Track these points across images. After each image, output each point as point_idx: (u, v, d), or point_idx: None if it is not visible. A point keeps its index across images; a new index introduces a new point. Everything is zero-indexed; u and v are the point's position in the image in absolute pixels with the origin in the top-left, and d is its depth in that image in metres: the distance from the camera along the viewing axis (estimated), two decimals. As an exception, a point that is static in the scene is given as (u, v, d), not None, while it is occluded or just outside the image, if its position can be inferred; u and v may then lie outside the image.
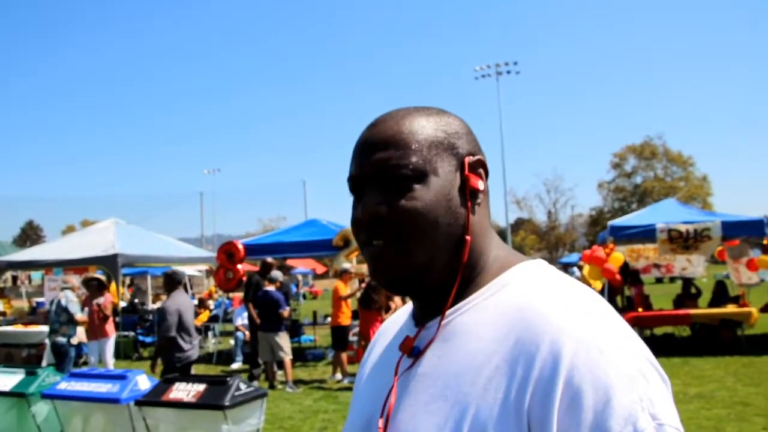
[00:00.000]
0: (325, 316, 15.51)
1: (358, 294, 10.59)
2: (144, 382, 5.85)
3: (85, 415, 5.88)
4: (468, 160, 0.98)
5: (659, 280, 32.84)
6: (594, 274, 12.58)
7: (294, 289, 20.17)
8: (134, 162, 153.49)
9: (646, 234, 12.81)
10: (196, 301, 19.55)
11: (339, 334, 10.71)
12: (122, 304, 16.82)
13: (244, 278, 12.32)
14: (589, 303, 0.87)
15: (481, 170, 1.00)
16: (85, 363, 10.95)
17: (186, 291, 10.20)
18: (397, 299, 10.40)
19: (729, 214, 13.48)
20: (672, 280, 28.33)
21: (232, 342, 14.02)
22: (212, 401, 5.15)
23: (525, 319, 0.86)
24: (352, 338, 11.69)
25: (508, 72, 53.71)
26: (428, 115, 0.99)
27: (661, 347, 11.57)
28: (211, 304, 20.42)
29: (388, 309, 10.29)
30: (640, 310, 12.74)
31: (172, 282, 7.72)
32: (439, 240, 0.93)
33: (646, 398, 0.77)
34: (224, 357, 13.65)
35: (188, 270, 26.41)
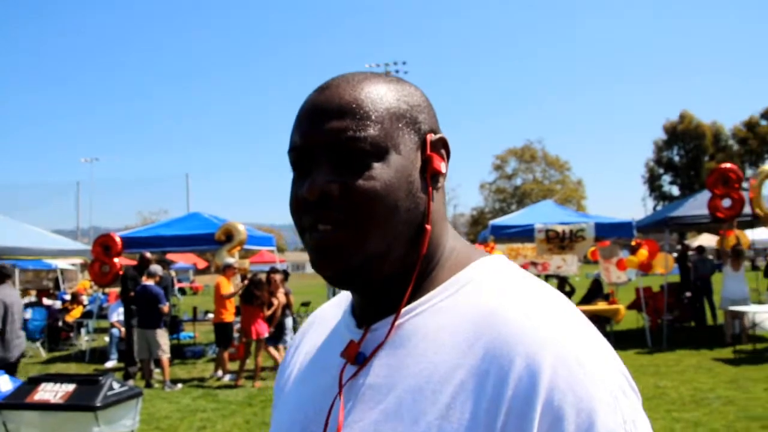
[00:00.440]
0: (206, 312, 15.14)
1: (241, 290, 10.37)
2: (5, 383, 5.47)
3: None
4: (430, 137, 0.85)
5: (536, 278, 34.14)
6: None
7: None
8: (5, 148, 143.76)
9: (525, 233, 13.28)
10: (68, 296, 18.61)
11: (222, 331, 10.45)
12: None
13: (121, 272, 11.82)
14: (562, 309, 0.77)
15: (443, 151, 0.87)
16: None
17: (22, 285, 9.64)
18: (281, 295, 10.28)
19: (601, 216, 14.23)
20: (547, 278, 29.58)
21: (107, 339, 13.39)
22: (82, 402, 4.89)
23: (494, 326, 0.74)
24: (236, 335, 11.44)
25: (397, 71, 54.48)
26: (388, 82, 0.85)
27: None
28: (84, 299, 19.44)
29: (270, 305, 10.14)
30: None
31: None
32: (396, 227, 0.80)
33: (630, 420, 0.69)
34: (98, 355, 13.00)
35: (61, 263, 25.06)
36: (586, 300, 13.90)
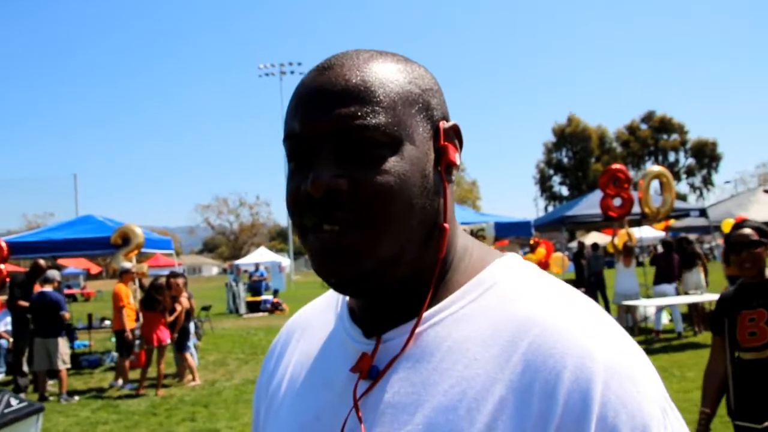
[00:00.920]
0: (102, 320, 14.49)
1: (139, 295, 9.96)
2: None
3: None
4: (443, 125, 0.76)
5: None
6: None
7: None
8: None
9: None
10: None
11: (123, 338, 9.98)
12: None
13: (8, 279, 11.12)
14: (600, 316, 0.71)
15: (456, 140, 0.78)
16: None
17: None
18: (184, 299, 9.95)
19: (499, 216, 14.61)
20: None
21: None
22: (-23, 420, 4.54)
23: (532, 336, 0.67)
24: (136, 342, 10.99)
25: (292, 72, 54.26)
26: (397, 61, 0.76)
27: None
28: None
29: (173, 311, 9.80)
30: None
31: None
32: (411, 227, 0.71)
33: None
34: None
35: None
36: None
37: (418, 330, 0.73)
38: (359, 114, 0.69)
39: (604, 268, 15.25)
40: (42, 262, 10.70)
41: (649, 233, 20.38)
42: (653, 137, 71.22)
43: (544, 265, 12.99)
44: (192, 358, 9.97)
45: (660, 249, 12.91)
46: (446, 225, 0.75)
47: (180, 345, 9.87)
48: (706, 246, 34.11)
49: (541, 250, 12.87)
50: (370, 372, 0.74)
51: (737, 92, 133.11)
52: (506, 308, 0.71)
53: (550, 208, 69.43)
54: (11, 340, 10.95)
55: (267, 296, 23.90)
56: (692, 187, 72.22)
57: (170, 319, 9.70)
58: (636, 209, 12.70)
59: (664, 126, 71.29)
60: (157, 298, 9.52)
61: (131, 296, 10.33)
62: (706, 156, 70.81)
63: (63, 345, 9.33)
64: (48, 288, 9.49)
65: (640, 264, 17.81)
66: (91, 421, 7.81)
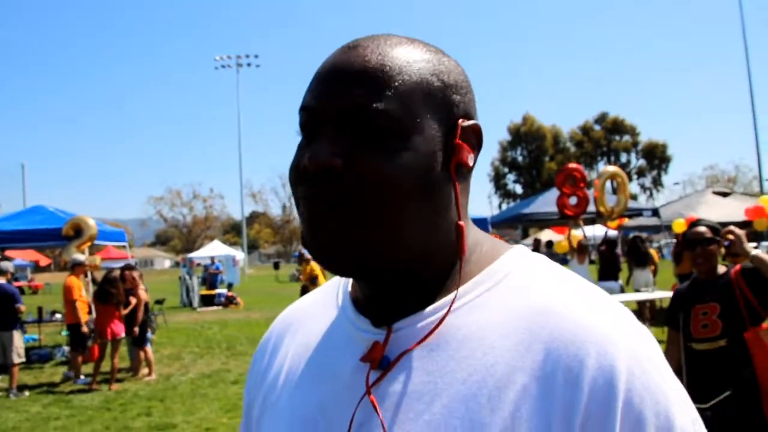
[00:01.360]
0: (53, 313, 14.14)
1: (92, 288, 9.74)
2: None
3: None
4: (461, 123, 0.75)
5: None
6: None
7: None
8: None
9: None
10: None
11: (77, 332, 9.73)
12: None
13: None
14: (614, 304, 0.72)
15: (474, 140, 0.77)
16: None
17: None
18: (142, 292, 9.78)
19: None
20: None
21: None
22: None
23: (552, 324, 0.67)
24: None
25: (249, 64, 53.79)
26: (426, 51, 0.76)
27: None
28: None
29: (127, 304, 9.61)
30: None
31: None
32: (405, 217, 0.71)
33: (695, 418, 0.67)
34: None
35: None
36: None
37: (430, 318, 0.73)
38: (370, 97, 0.69)
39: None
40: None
41: (600, 231, 20.77)
42: (606, 138, 72.56)
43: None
44: (147, 354, 9.81)
45: (603, 247, 13.16)
46: (461, 223, 0.74)
47: (140, 339, 9.70)
48: (655, 245, 34.96)
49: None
50: (382, 362, 0.72)
51: (688, 96, 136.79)
52: (521, 297, 0.71)
53: (504, 206, 70.26)
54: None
55: (221, 290, 23.65)
56: (643, 187, 73.87)
57: (125, 312, 9.52)
58: (591, 208, 12.92)
59: (616, 127, 72.70)
60: (111, 291, 9.32)
61: (83, 289, 10.09)
62: (657, 157, 72.46)
63: (18, 338, 9.09)
64: (1, 280, 9.23)
65: (591, 262, 18.15)
66: (43, 417, 7.62)
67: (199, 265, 31.06)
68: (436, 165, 0.72)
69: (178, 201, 76.48)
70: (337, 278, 0.89)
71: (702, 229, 3.41)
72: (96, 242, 12.50)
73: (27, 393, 8.95)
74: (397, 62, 0.72)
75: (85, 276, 11.10)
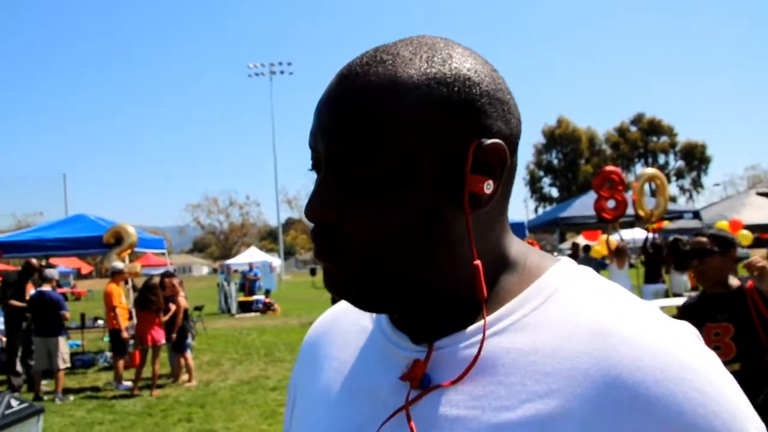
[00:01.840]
0: (95, 319, 14.41)
1: (132, 295, 9.90)
2: None
3: None
4: (473, 147, 0.65)
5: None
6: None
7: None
8: None
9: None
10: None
11: (117, 338, 9.92)
12: None
13: (0, 278, 11.06)
14: (676, 322, 0.66)
15: (496, 160, 0.66)
16: None
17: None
18: (182, 299, 9.90)
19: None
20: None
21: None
22: (-23, 421, 4.51)
23: (610, 347, 0.61)
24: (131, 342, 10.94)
25: (282, 72, 54.26)
26: (430, 65, 0.65)
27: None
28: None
29: (167, 311, 9.75)
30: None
31: None
32: (406, 265, 0.67)
33: None
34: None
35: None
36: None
37: (473, 339, 0.67)
38: (354, 148, 0.64)
39: (597, 270, 15.27)
40: (34, 261, 10.64)
41: (640, 235, 20.48)
42: (643, 139, 71.58)
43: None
44: (187, 360, 9.93)
45: (650, 250, 12.94)
46: (477, 262, 0.67)
47: (179, 345, 9.84)
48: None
49: (535, 252, 12.94)
50: (423, 381, 0.67)
51: (726, 95, 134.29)
52: (574, 317, 0.65)
53: (540, 210, 69.70)
54: (4, 339, 10.89)
55: (259, 296, 23.86)
56: (682, 189, 72.66)
57: (165, 318, 9.66)
58: (630, 211, 12.76)
59: (653, 128, 71.67)
60: (151, 298, 9.46)
61: (123, 296, 10.26)
62: (696, 158, 71.25)
63: (63, 344, 9.29)
64: (47, 287, 9.44)
65: (632, 266, 17.89)
66: (87, 422, 7.77)
67: (236, 271, 31.39)
68: (439, 205, 0.66)
69: (214, 208, 77.36)
70: None
71: (702, 239, 3.11)
72: (136, 250, 12.71)
73: (71, 397, 9.14)
74: (388, 95, 0.64)
75: (126, 283, 11.30)
